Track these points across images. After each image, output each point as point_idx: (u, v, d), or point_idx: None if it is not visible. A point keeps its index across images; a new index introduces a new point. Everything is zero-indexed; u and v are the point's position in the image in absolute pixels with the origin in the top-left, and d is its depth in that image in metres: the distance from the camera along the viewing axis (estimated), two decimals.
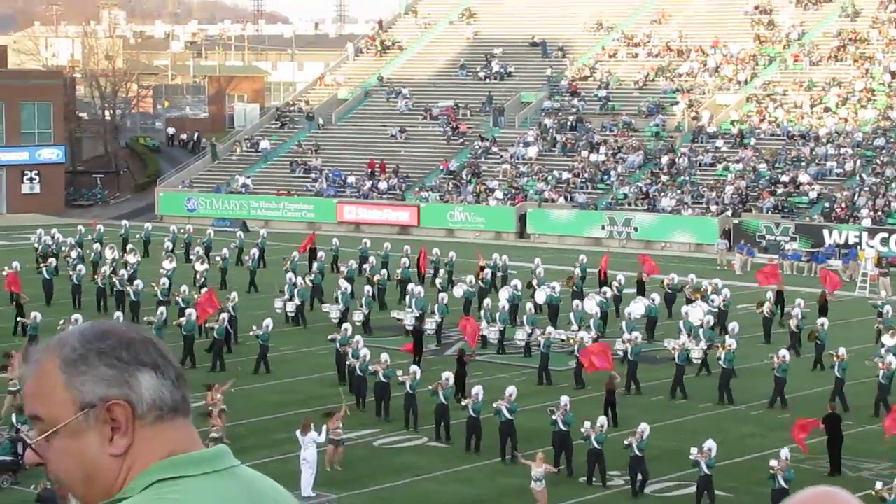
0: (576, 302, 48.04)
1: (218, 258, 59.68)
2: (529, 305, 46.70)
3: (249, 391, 39.25)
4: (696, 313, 45.68)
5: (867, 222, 68.95)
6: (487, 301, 48.16)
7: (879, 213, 70.06)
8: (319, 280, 54.53)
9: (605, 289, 50.62)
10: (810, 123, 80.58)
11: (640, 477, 30.17)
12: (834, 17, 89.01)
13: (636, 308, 47.41)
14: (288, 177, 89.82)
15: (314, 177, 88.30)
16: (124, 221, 73.21)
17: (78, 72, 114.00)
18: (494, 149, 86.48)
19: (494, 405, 32.77)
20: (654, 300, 48.08)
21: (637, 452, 30.02)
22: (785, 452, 29.10)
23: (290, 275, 52.84)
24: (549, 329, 43.10)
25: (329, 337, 42.83)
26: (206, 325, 45.11)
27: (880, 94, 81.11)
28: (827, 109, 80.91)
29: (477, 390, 33.66)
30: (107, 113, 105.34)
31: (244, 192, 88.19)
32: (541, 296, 49.89)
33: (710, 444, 29.44)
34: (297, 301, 50.52)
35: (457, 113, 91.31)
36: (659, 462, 31.77)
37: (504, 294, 49.77)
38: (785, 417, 37.24)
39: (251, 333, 44.00)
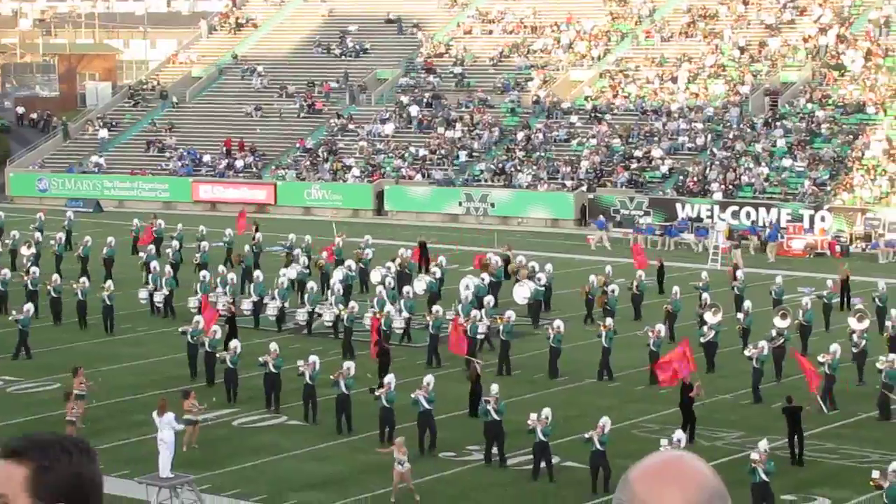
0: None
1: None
2: (339, 286, 46.93)
3: (105, 373, 38.86)
4: (522, 292, 46.69)
5: (718, 196, 70.20)
6: (311, 284, 47.82)
7: (730, 186, 71.37)
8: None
9: (433, 269, 50.91)
10: (662, 99, 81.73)
11: (602, 472, 29.11)
12: None
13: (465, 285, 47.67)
14: (142, 156, 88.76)
15: (169, 155, 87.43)
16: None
17: None
18: (351, 126, 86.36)
19: (412, 395, 31.86)
20: (483, 279, 48.54)
21: (598, 447, 29.05)
22: (763, 444, 28.48)
23: (154, 263, 50.93)
24: (353, 304, 43.39)
25: (180, 329, 41.04)
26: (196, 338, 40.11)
27: (730, 68, 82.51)
28: (674, 80, 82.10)
29: (389, 379, 32.72)
30: None
31: (97, 171, 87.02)
32: (375, 276, 50.32)
33: (679, 434, 29.32)
34: (164, 291, 48.68)
35: (312, 91, 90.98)
36: (515, 436, 31.98)
37: (338, 274, 49.72)
38: (640, 389, 37.87)
39: (10, 318, 43.14)
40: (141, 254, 56.45)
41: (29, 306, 43.20)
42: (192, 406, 32.01)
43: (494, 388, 32.04)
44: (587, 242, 66.64)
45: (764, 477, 27.43)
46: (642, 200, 70.96)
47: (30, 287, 47.96)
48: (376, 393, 32.41)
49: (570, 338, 41.85)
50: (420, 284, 48.90)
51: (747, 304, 43.37)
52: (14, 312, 43.40)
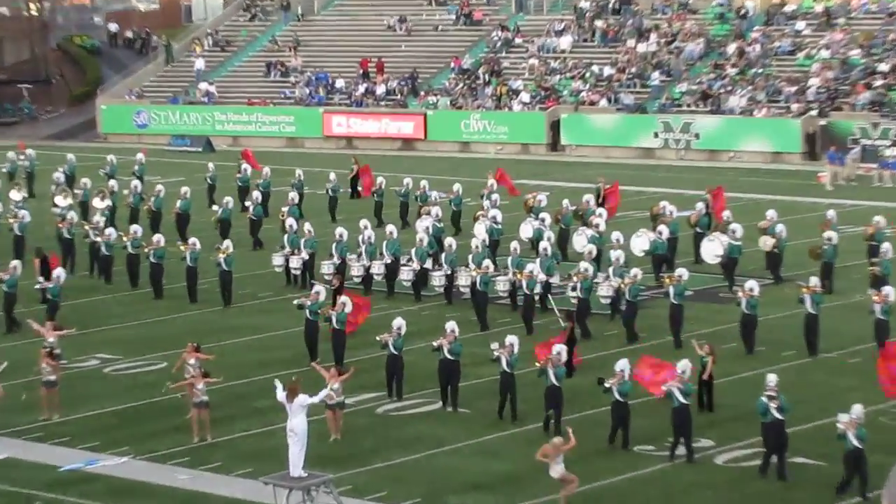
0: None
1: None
2: (450, 241, 46.89)
3: (222, 349, 39.24)
4: (714, 248, 47.22)
5: None
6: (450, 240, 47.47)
7: None
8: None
9: (597, 221, 50.30)
10: None
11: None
12: None
13: (639, 242, 47.67)
14: (261, 82, 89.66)
15: (294, 81, 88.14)
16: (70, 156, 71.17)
17: None
18: (518, 40, 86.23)
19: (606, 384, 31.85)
20: (660, 234, 48.09)
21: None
22: (858, 408, 28.90)
23: (290, 221, 50.27)
24: (487, 264, 43.36)
25: (296, 302, 40.37)
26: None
27: None
28: None
29: (622, 366, 31.89)
30: (32, 7, 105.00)
31: (207, 102, 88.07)
32: (527, 230, 50.25)
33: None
34: (304, 255, 47.66)
35: None
36: (735, 423, 31.69)
37: (480, 228, 49.64)
38: None
39: (36, 287, 43.87)
40: (214, 207, 56.78)
41: (59, 271, 43.79)
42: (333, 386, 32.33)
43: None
44: (818, 181, 65.77)
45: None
46: (889, 127, 69.88)
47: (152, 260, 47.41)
48: (606, 384, 31.80)
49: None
50: (581, 240, 48.61)
51: None
52: (41, 280, 44.17)
